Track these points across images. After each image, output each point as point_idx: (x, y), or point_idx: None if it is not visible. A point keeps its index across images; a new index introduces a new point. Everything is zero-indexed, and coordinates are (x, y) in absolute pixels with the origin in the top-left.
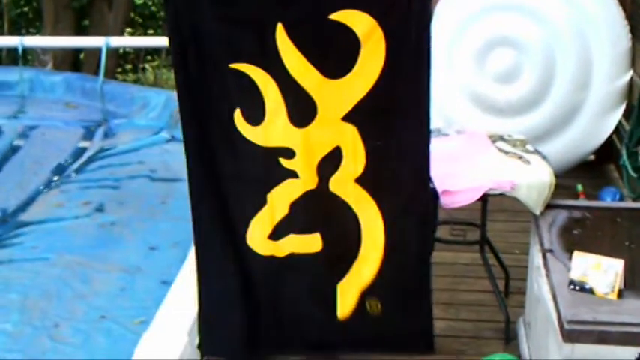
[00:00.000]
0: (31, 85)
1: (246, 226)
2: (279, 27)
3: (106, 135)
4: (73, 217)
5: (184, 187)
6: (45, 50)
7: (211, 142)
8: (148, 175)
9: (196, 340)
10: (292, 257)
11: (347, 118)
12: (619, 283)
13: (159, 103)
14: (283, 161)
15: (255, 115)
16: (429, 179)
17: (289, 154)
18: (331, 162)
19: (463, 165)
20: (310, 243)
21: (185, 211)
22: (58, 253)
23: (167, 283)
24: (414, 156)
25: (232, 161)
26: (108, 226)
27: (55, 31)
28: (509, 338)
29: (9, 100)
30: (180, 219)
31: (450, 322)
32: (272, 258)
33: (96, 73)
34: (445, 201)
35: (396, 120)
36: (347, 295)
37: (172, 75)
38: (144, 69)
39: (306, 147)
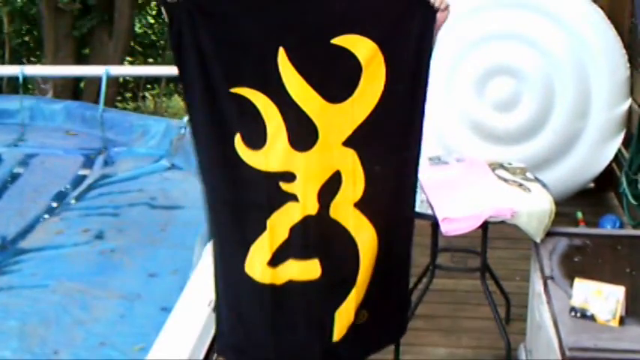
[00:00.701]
0: (31, 113)
1: (246, 252)
2: (281, 51)
3: (106, 163)
4: (73, 245)
5: (184, 215)
6: (45, 79)
7: (214, 168)
8: (148, 202)
9: None
10: (290, 285)
11: (347, 143)
12: (620, 310)
13: (159, 131)
14: (284, 185)
15: (257, 140)
16: (414, 199)
17: (290, 178)
18: (332, 187)
19: (463, 192)
20: (309, 270)
21: (184, 238)
22: (58, 280)
23: (167, 310)
24: (405, 178)
25: (233, 187)
26: (107, 253)
27: (56, 60)
28: None
29: (9, 129)
30: (179, 246)
31: (451, 349)
32: (270, 286)
33: (96, 101)
34: (445, 228)
35: (393, 144)
36: (343, 321)
37: (172, 103)
38: (144, 97)
39: (307, 172)
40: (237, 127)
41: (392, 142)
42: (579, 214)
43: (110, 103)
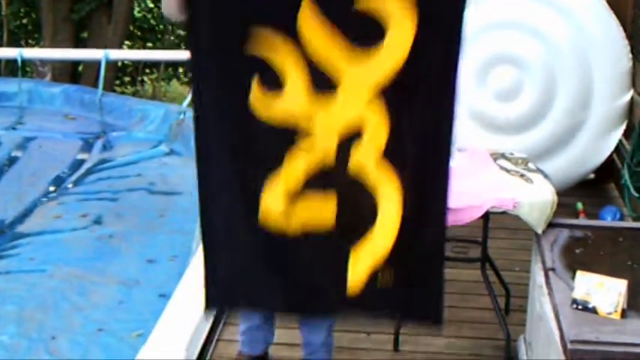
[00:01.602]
0: (29, 96)
1: (258, 203)
2: (305, 1)
3: (105, 147)
4: (71, 229)
5: (182, 201)
6: (44, 62)
7: (224, 122)
8: (147, 187)
9: (195, 355)
10: (305, 231)
11: (371, 95)
12: (622, 303)
13: (157, 115)
14: (302, 138)
15: (273, 92)
16: (449, 159)
17: (308, 131)
18: (352, 140)
19: (465, 182)
20: (324, 217)
21: (183, 224)
22: (56, 265)
23: (165, 297)
24: (436, 137)
25: (246, 141)
26: (106, 239)
27: (54, 43)
28: (509, 357)
29: (7, 111)
30: (178, 232)
31: (451, 339)
32: (284, 233)
33: (94, 85)
34: (448, 218)
35: (421, 99)
36: (359, 265)
37: (170, 88)
38: (142, 82)
39: (327, 124)
40: (253, 78)
41: (420, 97)
42: (579, 205)
43: (109, 87)
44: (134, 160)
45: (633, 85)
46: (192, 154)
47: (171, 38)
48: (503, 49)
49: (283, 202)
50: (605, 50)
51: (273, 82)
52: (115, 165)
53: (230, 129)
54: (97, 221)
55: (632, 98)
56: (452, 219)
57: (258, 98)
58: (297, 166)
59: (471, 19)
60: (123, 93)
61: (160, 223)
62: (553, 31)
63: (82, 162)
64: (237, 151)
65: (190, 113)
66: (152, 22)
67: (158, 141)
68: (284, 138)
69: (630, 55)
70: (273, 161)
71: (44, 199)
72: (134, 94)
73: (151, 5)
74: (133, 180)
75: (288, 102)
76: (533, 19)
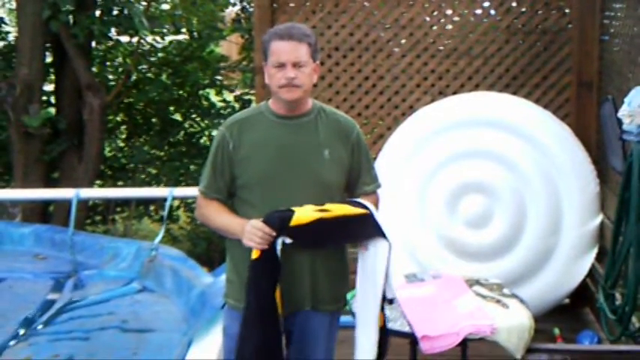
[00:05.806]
0: None
1: None
2: None
3: (76, 286)
4: None
5: (156, 338)
6: (14, 203)
7: None
8: (119, 325)
9: None
10: None
11: None
12: None
13: (129, 253)
14: None
15: None
16: None
17: None
18: None
19: (441, 310)
20: None
21: None
22: None
23: None
24: None
25: None
26: None
27: (25, 184)
28: None
29: None
30: None
31: None
32: None
33: (65, 224)
34: (425, 346)
35: None
36: None
37: (142, 226)
38: (113, 220)
39: None
40: None
41: None
42: (556, 331)
43: (80, 226)
44: (106, 298)
45: (602, 208)
46: (164, 291)
47: (142, 176)
48: (472, 178)
49: None
50: (573, 175)
51: None
52: (86, 304)
53: None
54: None
55: (602, 222)
56: (430, 347)
57: None
58: None
59: (440, 147)
60: (94, 232)
61: None
62: (520, 159)
63: (52, 302)
64: None
65: (162, 250)
66: (123, 160)
67: (130, 278)
68: None
69: (597, 180)
70: None
71: (12, 342)
72: (105, 232)
73: (122, 144)
74: (104, 318)
75: None
76: (501, 148)
